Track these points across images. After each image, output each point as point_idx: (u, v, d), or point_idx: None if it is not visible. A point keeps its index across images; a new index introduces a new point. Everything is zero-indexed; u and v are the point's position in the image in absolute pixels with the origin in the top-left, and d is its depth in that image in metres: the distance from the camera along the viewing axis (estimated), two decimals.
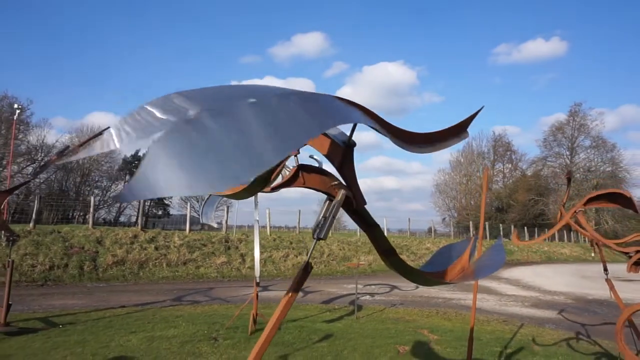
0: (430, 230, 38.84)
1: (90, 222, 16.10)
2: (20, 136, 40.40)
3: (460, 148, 59.10)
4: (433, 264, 2.11)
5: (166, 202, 50.07)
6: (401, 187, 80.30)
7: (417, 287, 14.77)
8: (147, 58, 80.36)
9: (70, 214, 39.99)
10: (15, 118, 16.58)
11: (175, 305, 9.92)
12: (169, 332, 6.95)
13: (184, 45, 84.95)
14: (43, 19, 67.48)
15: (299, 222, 23.73)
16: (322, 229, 1.92)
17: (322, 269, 17.26)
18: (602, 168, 52.72)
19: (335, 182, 2.07)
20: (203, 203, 7.62)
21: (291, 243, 18.60)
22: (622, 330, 3.54)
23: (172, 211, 50.55)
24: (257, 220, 7.17)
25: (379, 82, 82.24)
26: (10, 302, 6.88)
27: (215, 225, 7.56)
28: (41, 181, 42.40)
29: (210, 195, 7.74)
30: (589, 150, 53.62)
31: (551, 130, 55.42)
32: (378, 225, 1.98)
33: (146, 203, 50.81)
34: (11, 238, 7.31)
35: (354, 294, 12.67)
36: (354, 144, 2.12)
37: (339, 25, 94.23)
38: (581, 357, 6.33)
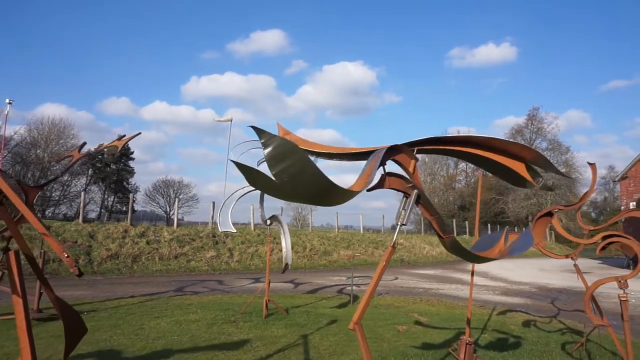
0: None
1: (81, 218, 16.31)
2: None
3: None
4: (477, 248, 3.05)
5: (133, 198, 49.53)
6: None
7: (396, 278, 15.93)
8: (105, 52, 78.29)
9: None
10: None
11: (179, 295, 10.55)
12: (191, 317, 7.65)
13: (142, 39, 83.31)
14: None
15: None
16: (403, 218, 2.87)
17: (306, 262, 18.14)
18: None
19: (410, 184, 3.00)
20: (219, 212, 8.27)
21: (275, 238, 19.37)
22: (589, 301, 4.63)
23: (136, 207, 49.98)
24: (282, 209, 7.95)
25: (339, 81, 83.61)
26: (41, 291, 7.40)
27: (234, 231, 8.26)
28: None
29: (223, 205, 8.46)
30: (545, 153, 56.78)
31: (511, 132, 58.50)
32: (440, 214, 2.90)
33: (108, 198, 50.08)
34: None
35: (339, 285, 13.66)
36: (417, 159, 3.06)
37: (298, 24, 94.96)
38: (550, 333, 7.51)
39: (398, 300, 10.77)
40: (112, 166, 49.69)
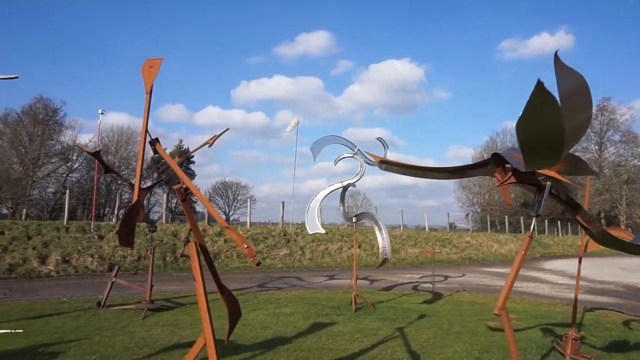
0: (449, 226, 38.83)
1: (163, 218, 17.48)
2: (54, 136, 42.54)
3: (483, 144, 59.35)
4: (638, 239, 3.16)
5: (193, 199, 51.72)
6: (416, 183, 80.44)
7: (463, 275, 15.72)
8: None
9: (102, 212, 41.84)
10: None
11: (264, 290, 11.08)
12: (284, 310, 8.07)
13: (192, 49, 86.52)
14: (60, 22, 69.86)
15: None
16: (537, 209, 3.01)
17: (375, 260, 18.29)
18: (632, 162, 52.22)
19: (542, 177, 3.14)
20: (306, 214, 8.65)
21: (342, 237, 19.70)
22: None
23: (197, 208, 52.15)
24: (376, 209, 8.23)
25: (386, 79, 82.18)
26: (152, 284, 8.10)
27: (323, 231, 8.61)
28: (75, 180, 44.18)
29: (308, 207, 8.83)
30: (618, 145, 53.16)
31: None
32: (581, 206, 3.01)
33: (172, 200, 52.80)
34: (151, 229, 8.55)
35: (412, 282, 13.71)
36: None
37: (342, 24, 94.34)
38: None
39: (478, 297, 10.69)
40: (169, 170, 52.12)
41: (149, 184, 10.60)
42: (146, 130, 2.89)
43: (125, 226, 2.84)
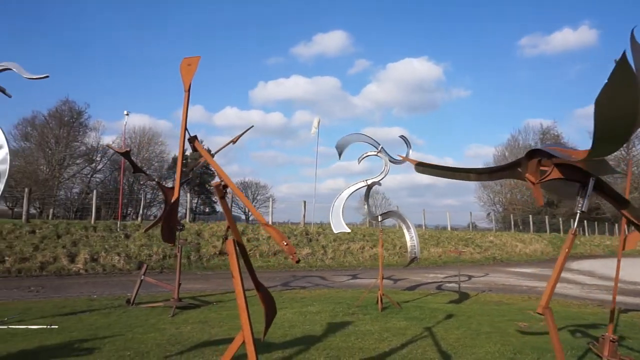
0: (469, 225, 38.26)
1: (187, 217, 17.71)
2: (79, 138, 43.53)
3: (505, 142, 58.34)
4: None
5: (213, 200, 52.25)
6: (434, 182, 79.51)
7: (486, 275, 15.47)
8: (170, 66, 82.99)
9: (125, 211, 42.59)
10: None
11: (288, 289, 11.12)
12: (311, 309, 8.08)
13: (210, 51, 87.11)
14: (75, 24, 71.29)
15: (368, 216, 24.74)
16: (583, 205, 2.93)
17: (397, 260, 18.19)
18: None
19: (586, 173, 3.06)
20: (330, 213, 8.63)
21: (364, 236, 19.63)
22: None
23: (218, 208, 52.57)
24: (397, 208, 8.18)
25: (404, 78, 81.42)
26: (180, 282, 8.20)
27: (349, 231, 8.59)
28: (99, 181, 45.02)
29: (333, 206, 8.82)
30: None
31: None
32: (629, 201, 2.92)
33: (193, 201, 53.42)
34: (179, 227, 8.66)
35: (435, 282, 13.56)
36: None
37: (359, 24, 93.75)
38: None
39: (505, 298, 10.51)
40: (194, 170, 52.62)
41: (170, 184, 10.74)
42: (185, 128, 2.92)
43: (167, 223, 2.88)
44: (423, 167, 3.44)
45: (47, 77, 6.57)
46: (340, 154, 8.63)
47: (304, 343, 5.60)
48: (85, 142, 43.91)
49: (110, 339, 5.59)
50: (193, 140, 2.98)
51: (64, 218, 32.27)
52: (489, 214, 58.51)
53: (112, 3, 74.74)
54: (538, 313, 2.78)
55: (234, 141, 8.48)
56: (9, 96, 6.67)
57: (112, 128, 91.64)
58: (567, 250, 2.91)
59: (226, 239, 3.22)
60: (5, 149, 5.17)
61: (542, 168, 3.12)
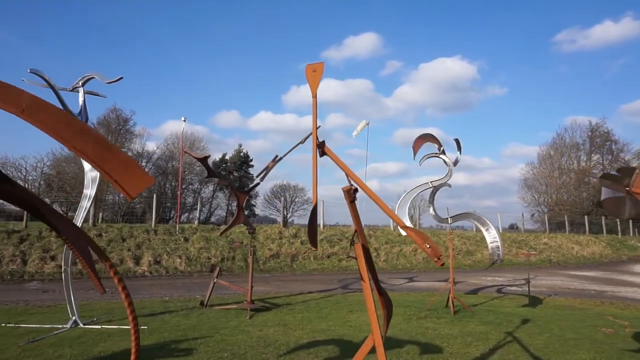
0: (512, 227, 36.92)
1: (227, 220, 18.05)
2: (125, 144, 45.23)
3: (550, 141, 56.18)
4: None
5: (252, 203, 53.00)
6: (472, 183, 77.30)
7: (534, 276, 14.94)
8: (214, 69, 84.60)
9: (168, 215, 43.81)
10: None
11: (350, 292, 11.15)
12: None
13: (243, 56, 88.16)
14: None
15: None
16: None
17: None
18: None
19: None
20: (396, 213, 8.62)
21: (395, 236, 19.41)
22: None
23: (257, 211, 53.23)
24: (474, 211, 8.09)
25: (437, 78, 79.44)
26: (252, 285, 8.38)
27: (404, 234, 8.58)
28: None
29: (397, 207, 8.80)
30: None
31: None
32: None
33: (231, 204, 54.39)
34: (250, 231, 8.88)
35: (495, 285, 13.25)
36: None
37: (390, 25, 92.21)
38: None
39: (576, 302, 10.14)
40: (235, 173, 53.57)
41: (211, 187, 10.94)
42: (316, 133, 3.00)
43: (311, 228, 2.97)
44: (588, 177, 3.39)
45: (122, 78, 6.99)
46: (415, 154, 8.74)
47: (390, 346, 5.63)
48: (131, 149, 45.70)
49: (202, 341, 5.79)
50: (322, 145, 3.05)
51: (112, 222, 33.63)
52: (532, 215, 56.58)
53: (146, 9, 77.24)
54: None
55: (302, 142, 8.60)
56: (104, 97, 7.20)
57: (153, 134, 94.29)
58: None
59: (353, 243, 3.27)
60: None
61: None
